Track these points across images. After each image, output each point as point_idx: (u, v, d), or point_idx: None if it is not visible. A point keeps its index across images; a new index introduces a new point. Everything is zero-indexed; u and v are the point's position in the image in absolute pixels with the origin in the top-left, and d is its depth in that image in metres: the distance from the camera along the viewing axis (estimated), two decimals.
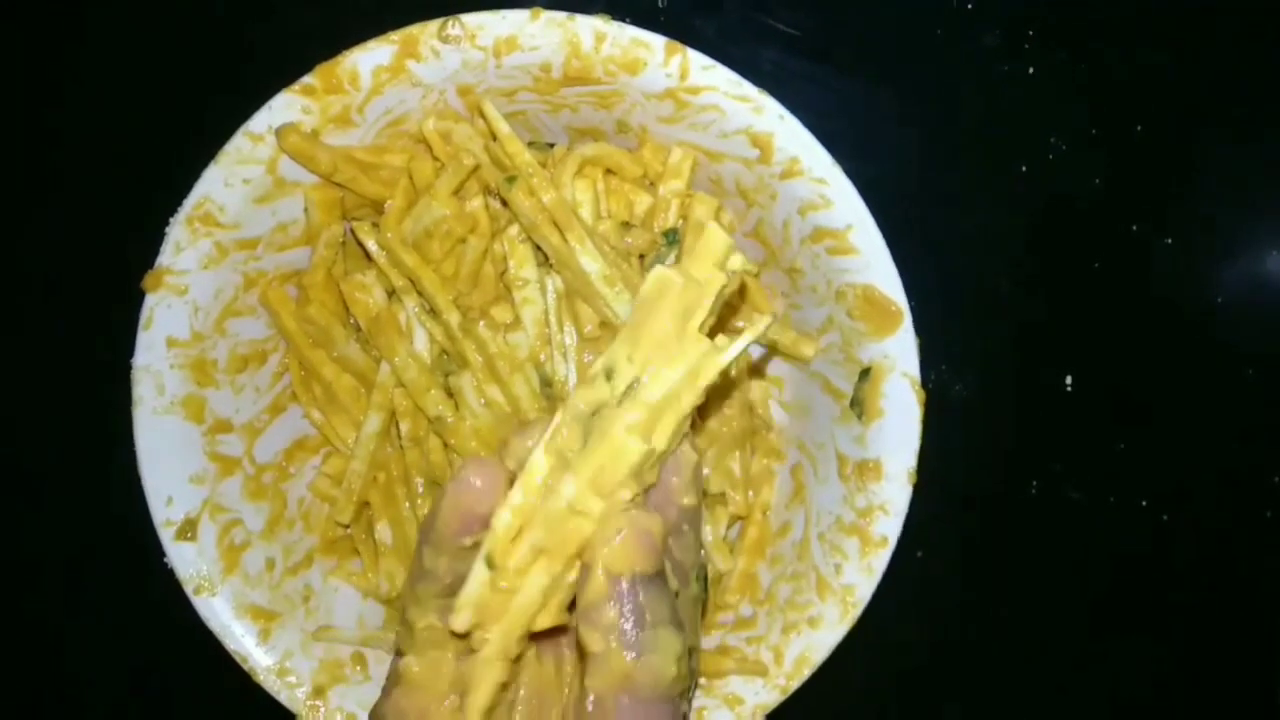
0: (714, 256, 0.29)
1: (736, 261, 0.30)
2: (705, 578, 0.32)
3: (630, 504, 0.29)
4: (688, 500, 0.31)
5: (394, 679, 0.31)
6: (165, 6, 0.46)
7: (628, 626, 0.28)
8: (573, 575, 0.29)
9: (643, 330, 0.29)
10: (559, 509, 0.28)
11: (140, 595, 0.43)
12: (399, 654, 0.31)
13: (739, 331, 0.30)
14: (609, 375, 0.29)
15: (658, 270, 0.29)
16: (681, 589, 0.31)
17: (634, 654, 0.28)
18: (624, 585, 0.28)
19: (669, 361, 0.29)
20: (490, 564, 0.28)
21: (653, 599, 0.28)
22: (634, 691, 0.27)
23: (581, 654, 0.29)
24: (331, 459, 0.43)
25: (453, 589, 0.29)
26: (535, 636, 0.30)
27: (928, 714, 0.47)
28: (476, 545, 0.29)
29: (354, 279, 0.41)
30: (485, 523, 0.29)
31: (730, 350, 0.29)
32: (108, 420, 0.40)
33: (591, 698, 0.28)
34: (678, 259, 0.33)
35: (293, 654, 0.41)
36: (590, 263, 0.39)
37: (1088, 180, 0.45)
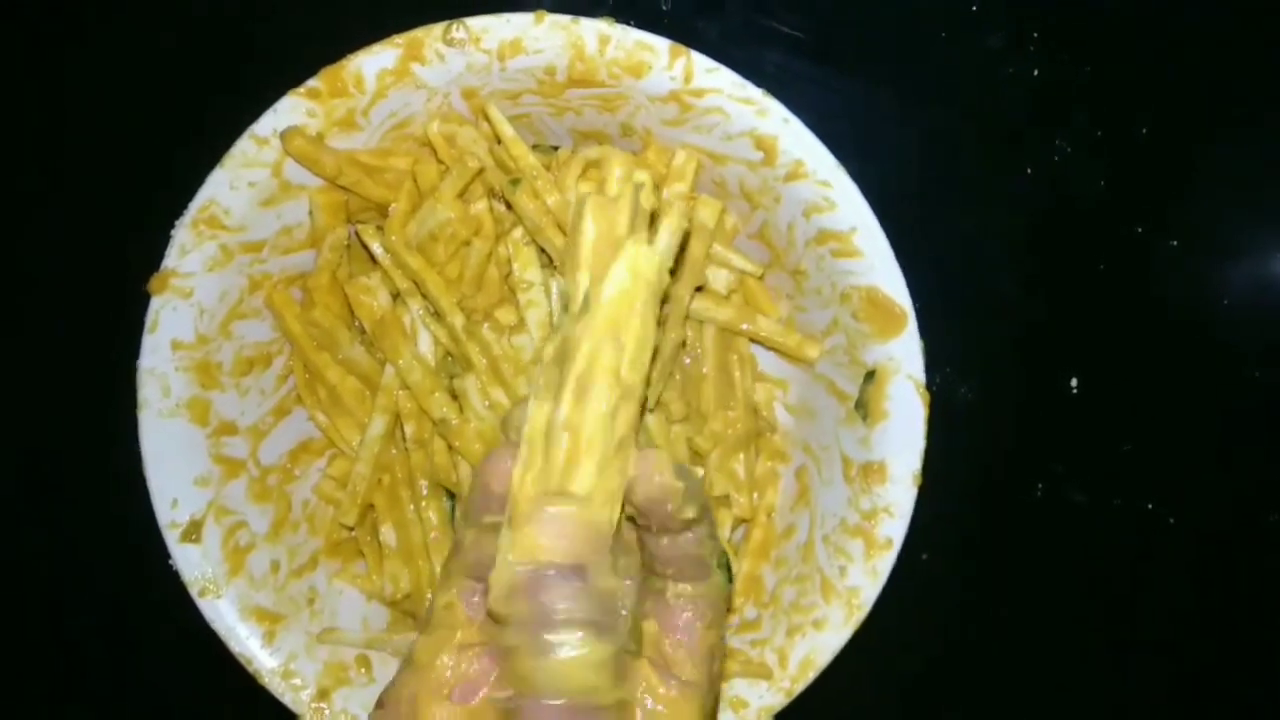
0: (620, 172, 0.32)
1: (640, 175, 0.32)
2: (728, 566, 0.31)
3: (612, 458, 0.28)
4: (689, 513, 0.29)
5: (404, 662, 0.30)
6: (167, 7, 0.46)
7: (535, 621, 0.26)
8: None
9: (577, 250, 0.29)
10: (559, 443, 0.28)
11: (144, 597, 0.43)
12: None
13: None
14: (566, 305, 0.29)
15: (576, 199, 0.30)
16: (699, 580, 0.30)
17: (541, 654, 0.26)
18: (533, 574, 0.26)
19: (607, 262, 0.29)
20: (514, 527, 0.27)
21: (564, 593, 0.26)
22: (541, 697, 0.26)
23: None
24: (336, 461, 0.43)
25: (475, 569, 0.28)
26: None
27: (932, 716, 0.48)
28: (496, 526, 0.28)
29: (359, 282, 0.41)
30: (502, 503, 0.28)
31: (660, 240, 0.30)
32: (112, 422, 0.40)
33: (506, 699, 0.27)
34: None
35: (297, 656, 0.41)
36: None
37: (1092, 182, 0.45)
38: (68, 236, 0.45)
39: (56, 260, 0.46)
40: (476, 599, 0.29)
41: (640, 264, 0.29)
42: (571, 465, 0.28)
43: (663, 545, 0.30)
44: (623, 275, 0.29)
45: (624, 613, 0.28)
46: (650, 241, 0.30)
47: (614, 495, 0.28)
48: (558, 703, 0.26)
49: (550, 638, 0.26)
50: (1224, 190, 0.46)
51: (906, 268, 0.39)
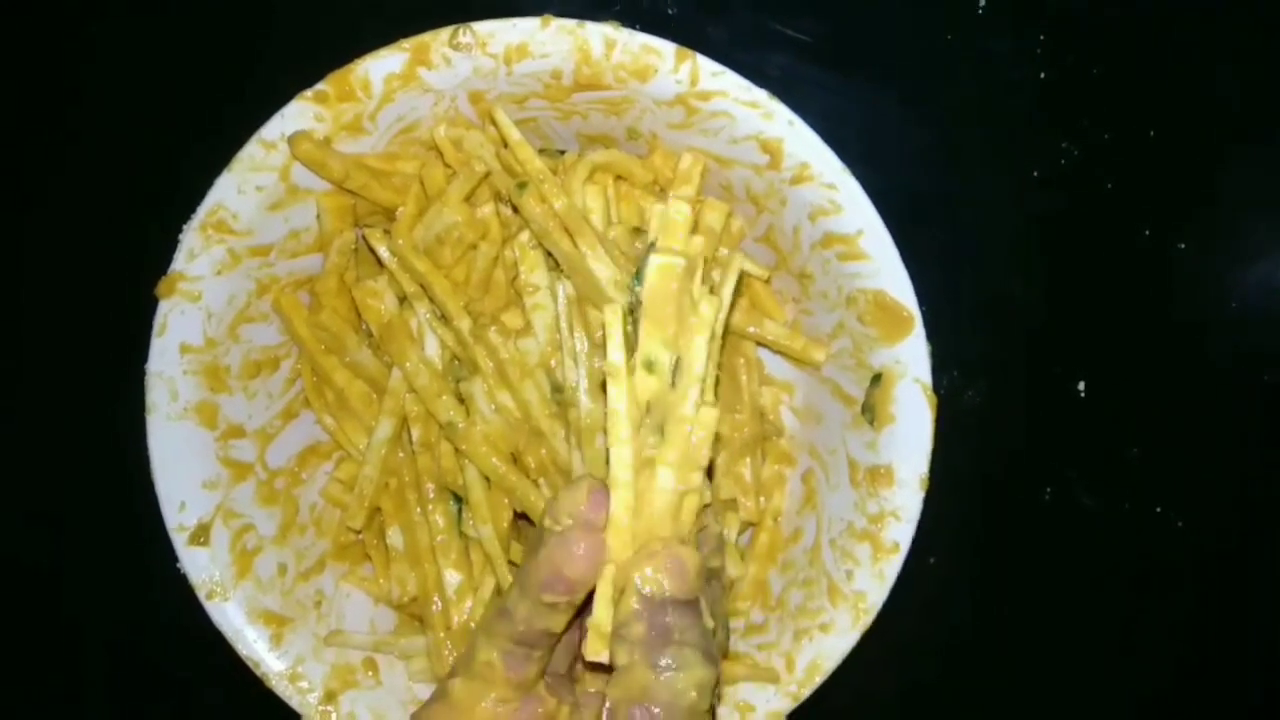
0: (681, 229, 0.33)
1: (681, 211, 0.33)
2: (727, 628, 0.34)
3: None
4: (714, 563, 0.33)
5: (439, 694, 0.31)
6: (174, 11, 0.46)
7: (653, 641, 0.28)
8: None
9: (663, 316, 0.31)
10: (668, 502, 0.30)
11: (151, 600, 0.44)
12: (452, 673, 0.32)
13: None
14: (650, 368, 0.30)
15: (657, 261, 0.31)
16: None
17: (655, 669, 0.28)
18: (653, 604, 0.29)
19: (695, 331, 0.31)
20: (628, 566, 0.30)
21: (682, 621, 0.29)
22: (649, 704, 0.28)
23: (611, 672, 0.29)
24: (343, 464, 0.44)
25: (525, 638, 0.30)
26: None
27: None
28: (555, 606, 0.30)
29: (366, 285, 0.41)
30: (571, 587, 0.29)
31: (725, 291, 0.33)
32: (120, 426, 0.40)
33: (608, 705, 0.28)
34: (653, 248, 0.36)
35: (304, 659, 0.41)
36: (601, 269, 0.39)
37: (1100, 185, 0.45)
38: (76, 240, 0.46)
39: (65, 263, 0.46)
40: (517, 662, 0.30)
41: (713, 321, 0.31)
42: (676, 516, 0.30)
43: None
44: (705, 340, 0.31)
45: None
46: (714, 291, 0.32)
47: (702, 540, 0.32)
48: (669, 712, 0.28)
49: (667, 658, 0.28)
50: (1232, 193, 0.46)
51: (913, 270, 0.39)
